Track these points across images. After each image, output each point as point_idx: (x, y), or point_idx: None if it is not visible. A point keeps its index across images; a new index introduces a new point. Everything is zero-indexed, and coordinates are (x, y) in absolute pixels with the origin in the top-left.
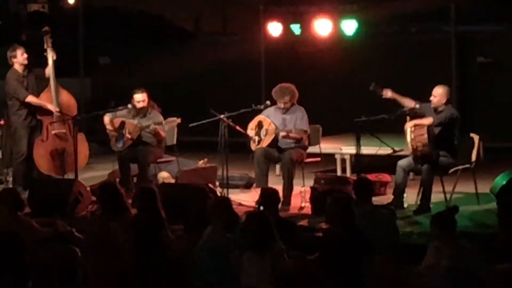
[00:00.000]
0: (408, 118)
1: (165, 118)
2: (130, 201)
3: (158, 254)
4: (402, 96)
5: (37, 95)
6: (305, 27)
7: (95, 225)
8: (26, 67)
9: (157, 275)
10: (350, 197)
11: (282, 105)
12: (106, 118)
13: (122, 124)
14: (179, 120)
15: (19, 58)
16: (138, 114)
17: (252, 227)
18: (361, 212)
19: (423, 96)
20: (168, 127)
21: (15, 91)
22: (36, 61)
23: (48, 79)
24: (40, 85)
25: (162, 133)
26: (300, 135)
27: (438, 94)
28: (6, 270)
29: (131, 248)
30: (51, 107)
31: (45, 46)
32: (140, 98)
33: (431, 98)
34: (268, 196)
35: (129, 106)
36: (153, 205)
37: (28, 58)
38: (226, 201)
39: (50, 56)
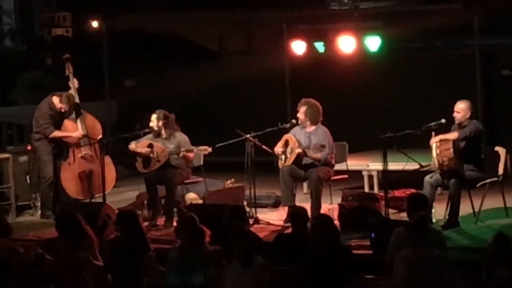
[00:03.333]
0: (433, 133)
1: (190, 138)
2: (160, 223)
3: (134, 277)
4: (444, 133)
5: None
6: (329, 44)
7: (59, 254)
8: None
9: None
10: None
11: (298, 114)
12: (131, 146)
13: (150, 146)
14: (210, 149)
15: (56, 103)
16: (160, 135)
17: (240, 241)
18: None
19: (449, 111)
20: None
21: (44, 123)
22: (61, 86)
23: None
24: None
25: (191, 156)
26: (319, 155)
27: (461, 109)
28: None
29: (105, 270)
30: (76, 134)
31: (67, 73)
32: (153, 118)
33: (454, 114)
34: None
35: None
36: (133, 227)
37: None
38: (192, 219)
39: (73, 83)
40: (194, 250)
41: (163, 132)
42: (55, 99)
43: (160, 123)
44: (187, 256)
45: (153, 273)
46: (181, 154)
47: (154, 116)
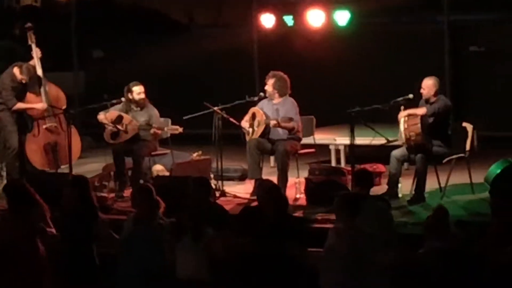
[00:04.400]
0: (402, 108)
1: (159, 111)
2: (126, 194)
3: (87, 244)
4: (413, 108)
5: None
6: (298, 18)
7: (10, 223)
8: None
9: (89, 267)
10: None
11: (265, 87)
12: (100, 117)
13: (119, 118)
14: (181, 129)
15: (17, 75)
16: (132, 108)
17: (186, 215)
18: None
19: (416, 86)
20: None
21: (6, 96)
22: (28, 55)
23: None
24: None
25: (159, 132)
26: (287, 123)
27: (427, 86)
28: None
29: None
30: (40, 106)
31: (29, 42)
32: (138, 90)
33: (421, 90)
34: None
35: (123, 99)
36: (85, 194)
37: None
38: (148, 189)
39: (36, 52)
40: (148, 220)
41: (137, 105)
42: (16, 70)
43: (143, 95)
44: (141, 226)
45: (106, 240)
46: (152, 131)
47: (139, 88)
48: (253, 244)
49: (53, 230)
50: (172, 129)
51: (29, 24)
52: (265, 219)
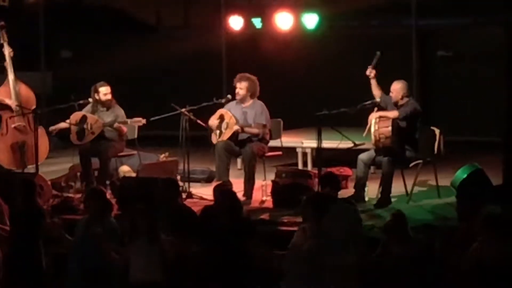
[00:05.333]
0: (375, 109)
1: (125, 112)
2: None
3: (33, 244)
4: (377, 84)
5: None
6: (266, 21)
7: None
8: None
9: (36, 267)
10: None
11: (237, 90)
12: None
13: (84, 118)
14: (144, 121)
15: None
16: (99, 109)
17: (141, 218)
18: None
19: (384, 90)
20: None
21: None
22: None
23: (5, 74)
24: None
25: (124, 129)
26: (258, 130)
27: (395, 89)
28: None
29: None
30: (10, 101)
31: (1, 41)
32: (105, 90)
33: (390, 94)
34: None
35: (90, 100)
36: (31, 196)
37: None
38: (100, 191)
39: (7, 50)
40: (99, 222)
41: (103, 106)
42: None
43: (110, 96)
44: (91, 228)
45: (58, 241)
46: (115, 125)
47: (106, 89)
48: (207, 250)
49: (7, 228)
50: (135, 121)
51: (1, 23)
52: (221, 220)
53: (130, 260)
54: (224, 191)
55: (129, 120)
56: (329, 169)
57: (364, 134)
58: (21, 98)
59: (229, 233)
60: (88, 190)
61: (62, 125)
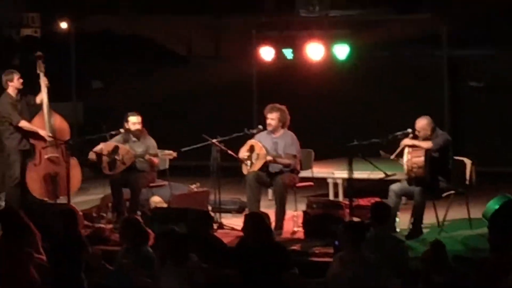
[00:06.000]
0: (410, 135)
1: (157, 142)
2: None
3: (75, 275)
4: (419, 141)
5: (29, 120)
6: (297, 51)
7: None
8: (19, 91)
9: None
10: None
11: (268, 121)
12: (98, 148)
13: (116, 148)
14: (175, 154)
15: (15, 82)
16: (130, 138)
17: (167, 242)
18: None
19: (415, 120)
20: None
21: (8, 115)
22: (28, 85)
23: (40, 104)
24: (32, 111)
25: (156, 160)
26: (289, 160)
27: (422, 128)
28: None
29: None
30: (43, 132)
31: (38, 71)
32: (135, 120)
33: (416, 133)
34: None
35: (122, 130)
36: (73, 226)
37: (23, 83)
38: (136, 221)
39: (43, 81)
40: (136, 251)
41: (133, 135)
42: (15, 75)
43: (140, 126)
44: (129, 258)
45: (99, 271)
46: (146, 157)
47: (136, 119)
48: (237, 276)
49: (43, 257)
50: (166, 154)
51: (39, 53)
52: (252, 249)
53: (161, 283)
54: (251, 214)
55: (160, 153)
56: (360, 200)
57: (392, 157)
58: (55, 129)
59: (264, 260)
60: (122, 220)
61: (97, 149)
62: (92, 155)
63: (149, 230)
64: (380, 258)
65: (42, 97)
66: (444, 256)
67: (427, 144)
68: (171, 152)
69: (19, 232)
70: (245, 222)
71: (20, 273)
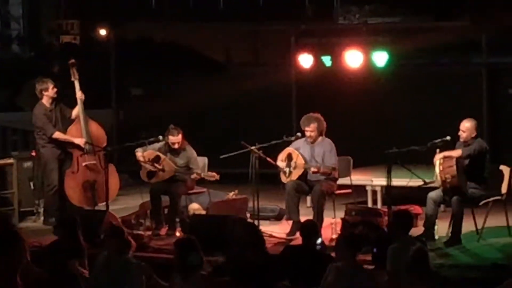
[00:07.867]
0: (438, 150)
1: (196, 149)
2: (162, 232)
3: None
4: (449, 150)
5: (65, 128)
6: (336, 58)
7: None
8: (54, 100)
9: None
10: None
11: (308, 133)
12: (138, 154)
13: (157, 158)
14: (217, 177)
15: (50, 91)
16: (170, 149)
17: (181, 252)
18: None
19: (454, 128)
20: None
21: (42, 126)
22: (67, 94)
23: (76, 116)
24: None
25: (197, 177)
26: (329, 169)
27: (467, 128)
28: None
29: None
30: (78, 141)
31: (72, 78)
32: (175, 140)
33: (460, 133)
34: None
35: (160, 137)
36: (73, 233)
37: (57, 92)
38: (121, 230)
39: (78, 94)
40: (118, 260)
41: (183, 148)
42: (50, 84)
43: (180, 142)
44: (111, 265)
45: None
46: (192, 176)
47: (176, 138)
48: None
49: (86, 273)
50: (209, 175)
51: (72, 60)
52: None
53: None
54: (246, 224)
55: (202, 173)
56: (398, 207)
57: (434, 178)
58: (92, 136)
59: (253, 268)
60: (106, 229)
61: (140, 156)
62: (138, 154)
63: (132, 240)
64: (404, 265)
65: (78, 111)
66: (426, 263)
67: (457, 153)
68: (214, 174)
69: (8, 241)
70: (238, 233)
71: (3, 281)
